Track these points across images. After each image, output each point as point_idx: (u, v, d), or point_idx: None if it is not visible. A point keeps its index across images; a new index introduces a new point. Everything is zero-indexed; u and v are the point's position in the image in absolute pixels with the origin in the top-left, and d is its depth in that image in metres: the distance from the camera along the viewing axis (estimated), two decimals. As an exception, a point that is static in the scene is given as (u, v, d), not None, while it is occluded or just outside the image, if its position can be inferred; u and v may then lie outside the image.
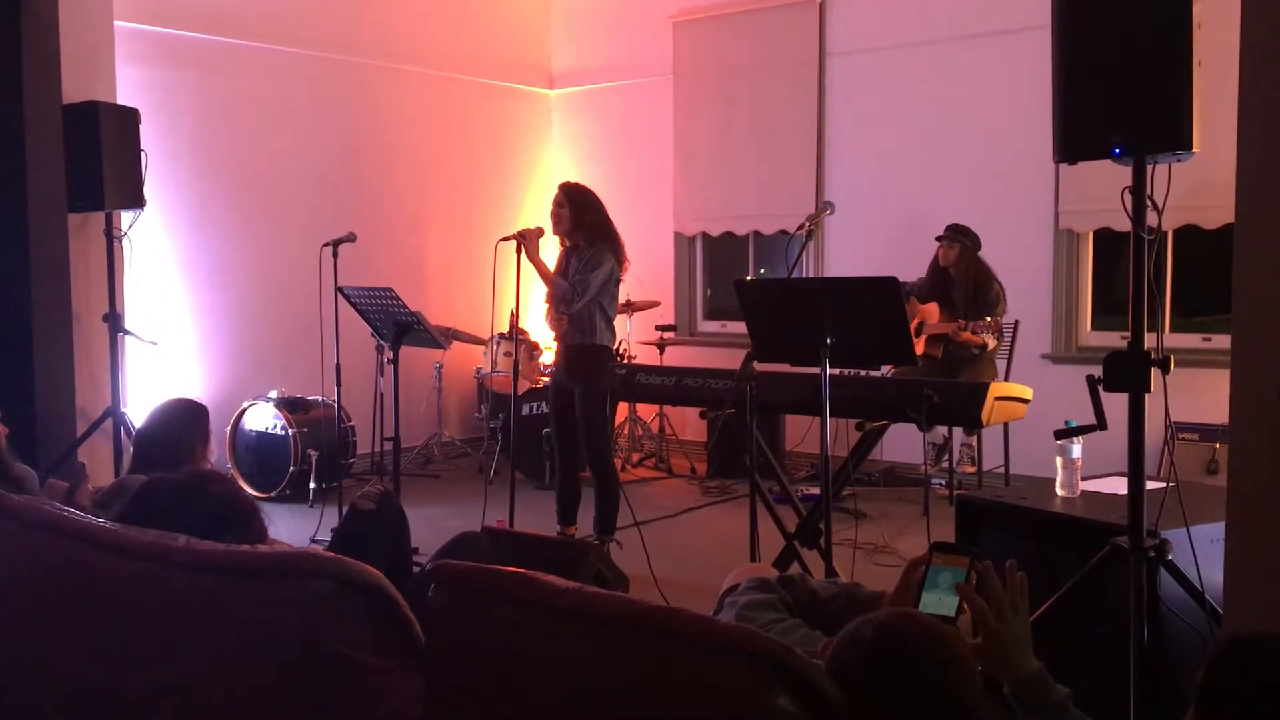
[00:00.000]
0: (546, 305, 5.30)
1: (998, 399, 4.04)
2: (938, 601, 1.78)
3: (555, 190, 5.28)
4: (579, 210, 5.17)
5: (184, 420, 3.60)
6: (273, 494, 6.42)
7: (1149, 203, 2.79)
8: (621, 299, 5.71)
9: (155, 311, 6.49)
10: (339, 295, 5.28)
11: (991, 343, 6.12)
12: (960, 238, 6.23)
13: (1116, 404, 2.79)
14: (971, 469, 6.66)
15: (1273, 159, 2.34)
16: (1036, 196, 6.70)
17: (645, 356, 7.67)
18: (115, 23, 5.72)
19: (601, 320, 5.18)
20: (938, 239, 6.30)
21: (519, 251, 5.05)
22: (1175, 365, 2.79)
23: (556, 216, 5.20)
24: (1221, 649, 1.47)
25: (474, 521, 4.99)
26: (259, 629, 1.94)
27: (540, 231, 5.18)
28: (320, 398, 6.62)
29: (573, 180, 5.44)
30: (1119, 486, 3.19)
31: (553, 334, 5.37)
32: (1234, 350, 2.44)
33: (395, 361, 5.09)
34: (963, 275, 6.23)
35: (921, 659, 1.49)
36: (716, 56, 8.08)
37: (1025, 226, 6.77)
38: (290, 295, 6.75)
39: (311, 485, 6.43)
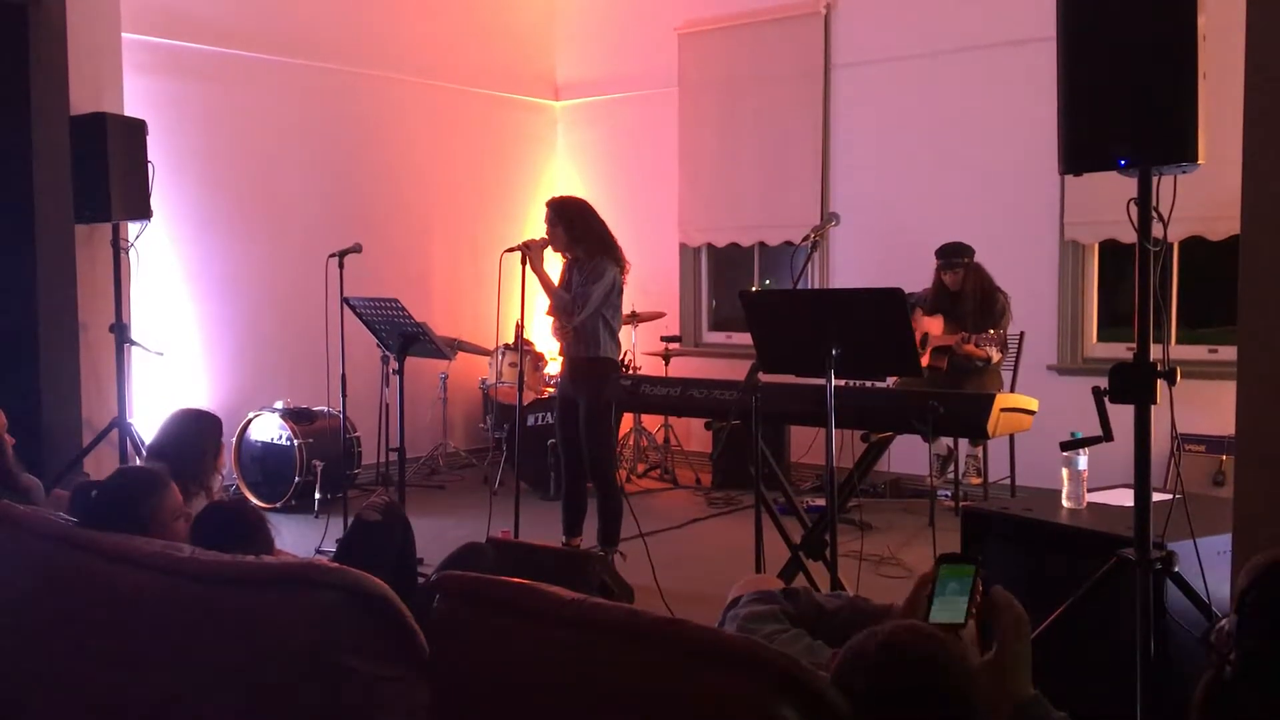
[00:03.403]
0: (550, 317, 5.28)
1: (1003, 410, 4.03)
2: (948, 609, 1.79)
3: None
4: (570, 225, 5.13)
5: (197, 430, 3.61)
6: (278, 504, 6.43)
7: (1154, 214, 2.79)
8: (626, 310, 5.69)
9: (161, 322, 6.50)
10: (344, 306, 5.29)
11: (995, 356, 6.10)
12: (959, 260, 6.17)
13: (1122, 415, 2.79)
14: (977, 480, 6.64)
15: (1278, 171, 2.34)
16: (1042, 208, 6.69)
17: (650, 367, 7.67)
18: (123, 35, 5.73)
19: (605, 333, 5.15)
20: (938, 268, 6.25)
21: (524, 263, 5.04)
22: (1181, 377, 2.78)
23: (551, 235, 5.16)
24: (1260, 569, 1.49)
25: (479, 532, 4.99)
26: (265, 639, 1.95)
27: (545, 243, 5.17)
28: (326, 408, 6.62)
29: (566, 195, 5.40)
30: (1125, 498, 3.18)
31: (559, 346, 5.37)
32: (1240, 362, 2.44)
33: (400, 372, 5.09)
34: (969, 292, 6.20)
35: (925, 670, 1.49)
36: (721, 68, 8.10)
37: (1030, 238, 6.76)
38: (296, 306, 6.76)
39: (317, 496, 6.44)
